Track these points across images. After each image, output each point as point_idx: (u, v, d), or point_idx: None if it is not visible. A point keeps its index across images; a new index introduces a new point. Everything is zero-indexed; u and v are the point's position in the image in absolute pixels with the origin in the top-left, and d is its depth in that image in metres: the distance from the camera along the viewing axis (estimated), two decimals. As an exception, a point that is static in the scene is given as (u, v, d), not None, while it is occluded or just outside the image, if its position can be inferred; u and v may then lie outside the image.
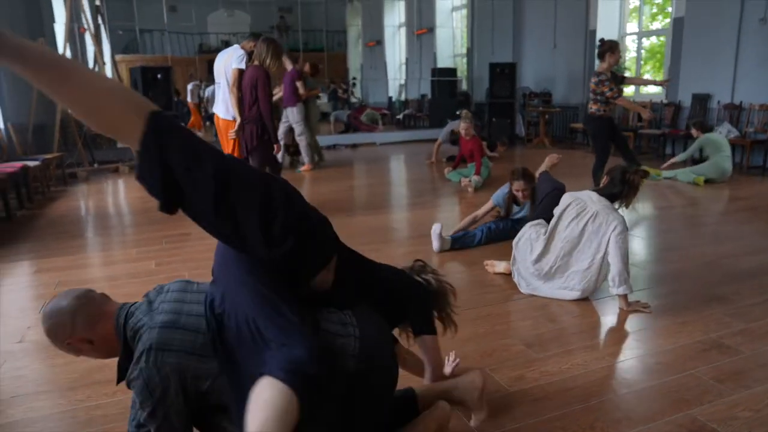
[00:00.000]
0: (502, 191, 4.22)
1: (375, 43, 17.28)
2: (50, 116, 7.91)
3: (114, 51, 12.80)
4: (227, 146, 4.76)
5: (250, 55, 4.69)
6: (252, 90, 4.39)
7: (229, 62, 4.72)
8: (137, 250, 4.21)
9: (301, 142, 7.74)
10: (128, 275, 3.67)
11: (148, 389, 1.37)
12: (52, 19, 10.00)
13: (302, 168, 7.90)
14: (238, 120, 4.57)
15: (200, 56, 15.15)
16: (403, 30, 16.24)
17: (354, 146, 11.10)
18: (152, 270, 3.76)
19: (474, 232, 4.17)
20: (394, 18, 16.64)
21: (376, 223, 4.95)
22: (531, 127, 11.21)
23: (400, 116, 14.34)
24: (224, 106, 4.83)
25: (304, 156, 7.90)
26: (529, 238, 3.26)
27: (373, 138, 11.73)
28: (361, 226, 4.80)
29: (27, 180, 6.35)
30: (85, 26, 12.35)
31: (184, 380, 1.41)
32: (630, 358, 2.46)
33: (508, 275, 3.41)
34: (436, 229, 3.98)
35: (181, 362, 1.39)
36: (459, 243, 4.10)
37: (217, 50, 15.49)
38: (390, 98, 15.64)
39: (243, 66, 4.61)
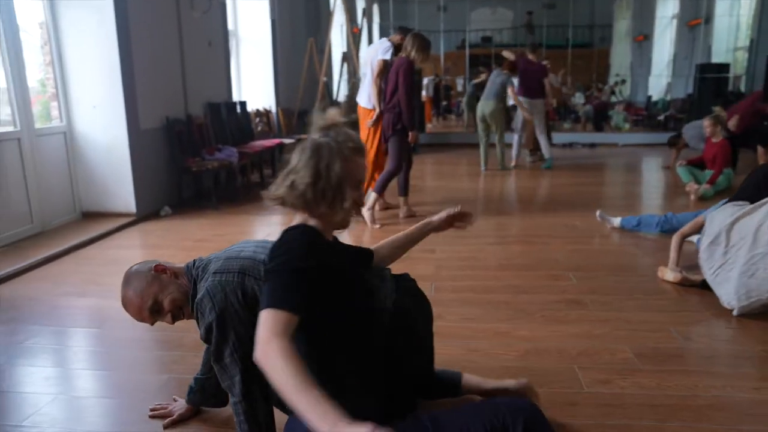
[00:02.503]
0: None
1: (643, 37, 15.83)
2: (312, 104, 9.34)
3: None
4: (363, 134, 4.96)
5: (397, 48, 4.82)
6: (395, 79, 4.53)
7: (375, 54, 4.96)
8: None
9: (541, 138, 7.61)
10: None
11: (210, 298, 1.52)
12: (328, 20, 11.58)
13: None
14: (377, 110, 4.78)
15: (457, 51, 15.86)
16: (674, 22, 14.54)
17: (592, 145, 10.49)
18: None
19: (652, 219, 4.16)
20: (667, 8, 14.99)
21: (560, 221, 4.77)
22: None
23: (662, 117, 12.95)
24: (366, 96, 5.04)
25: (511, 151, 7.71)
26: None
27: (615, 138, 10.92)
28: (544, 223, 4.68)
29: (282, 153, 7.69)
30: (359, 26, 14.07)
31: (244, 280, 1.54)
32: (755, 396, 2.05)
33: (676, 284, 3.07)
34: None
35: (243, 264, 1.59)
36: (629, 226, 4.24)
37: (477, 46, 16.13)
38: (649, 98, 14.20)
39: (388, 57, 4.80)
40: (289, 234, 1.31)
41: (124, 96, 4.90)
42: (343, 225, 1.43)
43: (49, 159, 4.74)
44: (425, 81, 14.01)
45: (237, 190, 6.20)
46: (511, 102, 7.64)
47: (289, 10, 9.40)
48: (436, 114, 15.50)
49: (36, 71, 4.93)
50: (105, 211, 5.06)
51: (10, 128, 4.40)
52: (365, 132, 4.98)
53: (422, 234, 1.83)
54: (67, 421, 1.99)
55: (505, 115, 7.81)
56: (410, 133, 4.61)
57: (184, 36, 5.95)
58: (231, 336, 1.52)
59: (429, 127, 13.17)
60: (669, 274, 3.17)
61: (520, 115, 7.64)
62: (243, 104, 7.53)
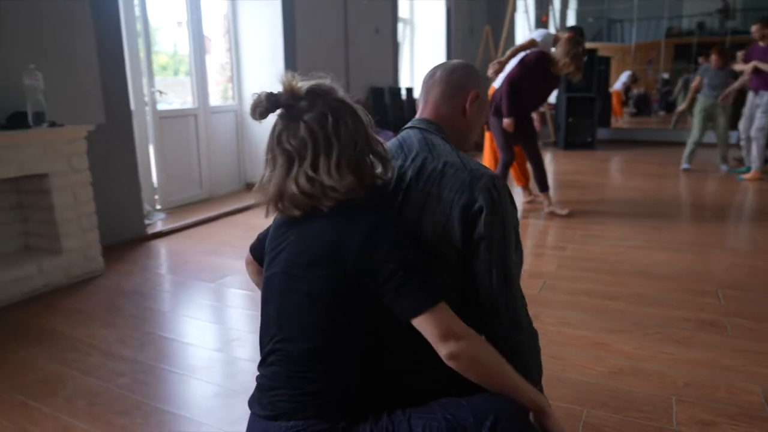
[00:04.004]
0: None
1: None
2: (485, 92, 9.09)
3: (586, 38, 13.43)
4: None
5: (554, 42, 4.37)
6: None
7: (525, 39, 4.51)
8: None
9: (759, 139, 5.82)
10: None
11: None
12: (513, 8, 11.12)
13: (745, 176, 5.91)
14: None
15: (666, 40, 14.15)
16: None
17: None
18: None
19: None
20: None
21: (736, 231, 3.97)
22: None
23: None
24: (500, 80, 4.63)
25: (754, 159, 5.92)
26: None
27: None
28: (714, 231, 3.94)
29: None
30: (548, 15, 13.33)
31: None
32: None
33: None
34: None
35: None
36: None
37: (689, 34, 14.21)
38: None
39: (539, 39, 4.28)
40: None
41: (286, 79, 5.26)
42: None
43: (221, 134, 5.29)
44: (623, 78, 12.73)
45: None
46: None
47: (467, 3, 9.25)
48: (630, 109, 14.03)
49: (221, 56, 5.54)
50: (264, 184, 5.52)
51: (190, 105, 5.00)
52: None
53: None
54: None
55: (732, 110, 6.47)
56: (534, 115, 4.44)
57: (349, 23, 6.19)
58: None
59: (619, 122, 12.01)
60: None
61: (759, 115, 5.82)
62: (409, 90, 7.62)
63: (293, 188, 1.08)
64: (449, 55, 8.60)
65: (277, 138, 1.11)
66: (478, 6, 9.82)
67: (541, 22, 13.22)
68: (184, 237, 4.03)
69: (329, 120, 1.09)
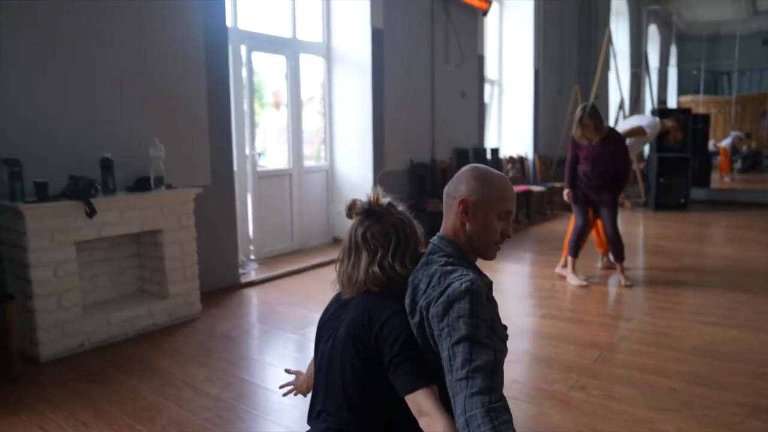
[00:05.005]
0: None
1: None
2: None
3: (685, 91, 13.11)
4: None
5: (666, 133, 4.62)
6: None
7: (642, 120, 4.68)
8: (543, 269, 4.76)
9: None
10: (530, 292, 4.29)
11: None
12: (605, 66, 11.07)
13: None
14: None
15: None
16: None
17: None
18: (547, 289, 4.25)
19: None
20: None
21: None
22: None
23: None
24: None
25: None
26: None
27: None
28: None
29: (529, 200, 7.75)
30: (642, 71, 13.12)
31: None
32: None
33: None
34: None
35: None
36: None
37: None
38: None
39: (648, 130, 4.54)
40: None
41: (373, 142, 5.71)
42: None
43: (312, 191, 5.79)
44: (731, 134, 12.22)
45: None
46: None
47: (557, 58, 9.42)
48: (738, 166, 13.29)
49: (317, 120, 6.11)
50: (349, 238, 5.93)
51: (286, 166, 5.56)
52: None
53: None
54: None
55: None
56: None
57: (436, 87, 6.59)
58: None
59: (725, 180, 11.52)
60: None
61: None
62: (495, 150, 7.85)
63: (376, 271, 1.42)
64: (537, 115, 8.76)
65: (362, 234, 1.46)
66: (568, 65, 9.95)
67: (636, 77, 13.06)
68: (274, 287, 4.45)
69: (406, 225, 1.47)
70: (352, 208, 1.49)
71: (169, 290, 3.51)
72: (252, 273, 4.75)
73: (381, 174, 5.78)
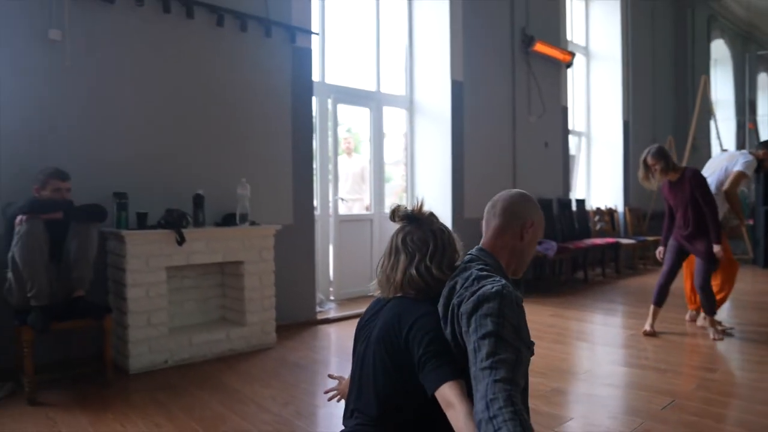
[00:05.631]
0: None
1: None
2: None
3: None
4: None
5: (760, 163, 4.38)
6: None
7: (732, 161, 4.37)
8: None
9: None
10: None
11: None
12: (706, 115, 10.50)
13: None
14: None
15: None
16: None
17: None
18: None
19: None
20: None
21: None
22: None
23: None
24: None
25: None
26: None
27: None
28: None
29: (618, 253, 7.45)
30: (755, 123, 12.38)
31: None
32: None
33: None
34: None
35: None
36: None
37: None
38: None
39: (749, 172, 4.27)
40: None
41: (452, 191, 5.85)
42: None
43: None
44: None
45: (548, 282, 6.33)
46: None
47: (648, 109, 9.18)
48: None
49: (401, 169, 6.37)
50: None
51: (368, 212, 5.81)
52: None
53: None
54: None
55: None
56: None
57: (517, 138, 6.65)
58: None
59: None
60: None
61: None
62: (580, 201, 7.68)
63: (413, 273, 1.51)
64: (627, 166, 8.51)
65: (402, 238, 1.58)
66: (662, 115, 9.64)
67: (748, 129, 12.31)
68: (350, 325, 4.60)
69: (445, 234, 1.58)
70: (395, 213, 1.60)
71: (247, 318, 3.76)
72: (330, 311, 4.94)
73: (460, 221, 5.87)
